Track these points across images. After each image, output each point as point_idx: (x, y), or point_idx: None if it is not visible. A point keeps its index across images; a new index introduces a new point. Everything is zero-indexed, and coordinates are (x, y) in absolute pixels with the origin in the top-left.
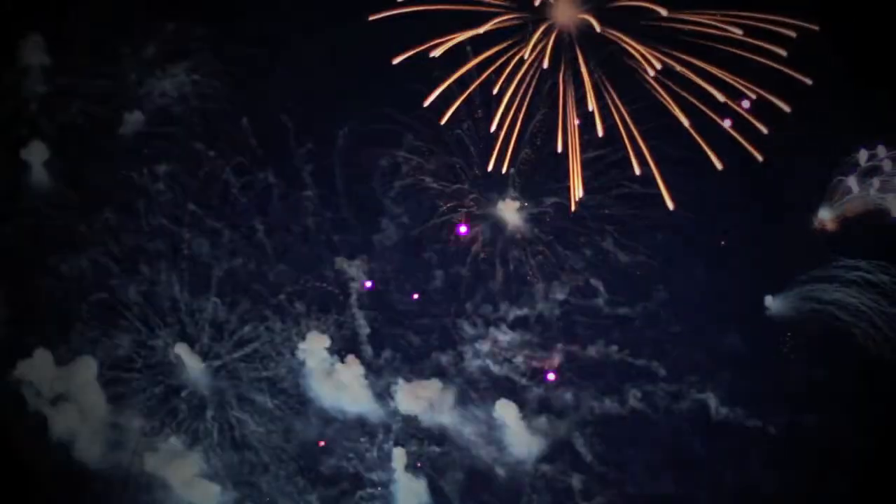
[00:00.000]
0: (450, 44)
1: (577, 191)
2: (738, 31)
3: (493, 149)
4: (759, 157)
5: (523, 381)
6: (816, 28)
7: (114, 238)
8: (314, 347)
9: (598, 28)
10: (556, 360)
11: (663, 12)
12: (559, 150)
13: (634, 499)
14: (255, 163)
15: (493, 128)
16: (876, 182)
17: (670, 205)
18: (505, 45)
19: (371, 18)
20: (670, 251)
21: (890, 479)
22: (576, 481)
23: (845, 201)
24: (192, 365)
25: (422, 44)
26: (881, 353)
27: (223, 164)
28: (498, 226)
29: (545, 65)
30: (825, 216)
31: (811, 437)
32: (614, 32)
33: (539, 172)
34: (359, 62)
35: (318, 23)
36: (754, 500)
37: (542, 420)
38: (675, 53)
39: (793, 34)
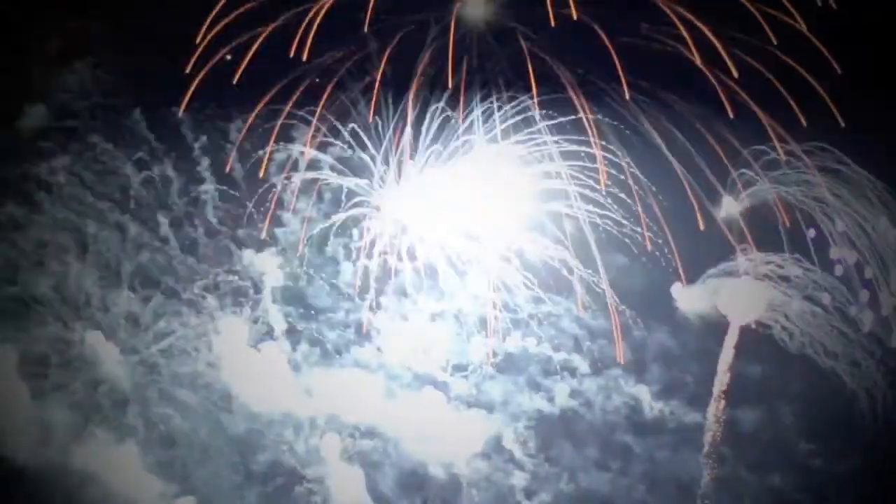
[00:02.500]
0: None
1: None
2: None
3: (395, 142)
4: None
5: (445, 376)
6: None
7: (20, 232)
8: (231, 342)
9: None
10: None
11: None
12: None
13: (574, 495)
14: (153, 157)
15: (371, 118)
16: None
17: None
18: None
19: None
20: (579, 245)
21: (829, 473)
22: (514, 478)
23: (748, 194)
24: (109, 360)
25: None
26: (799, 348)
27: (123, 158)
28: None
29: (447, 60)
30: (731, 209)
31: (750, 431)
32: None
33: (441, 167)
34: (254, 56)
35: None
36: (695, 494)
37: (473, 415)
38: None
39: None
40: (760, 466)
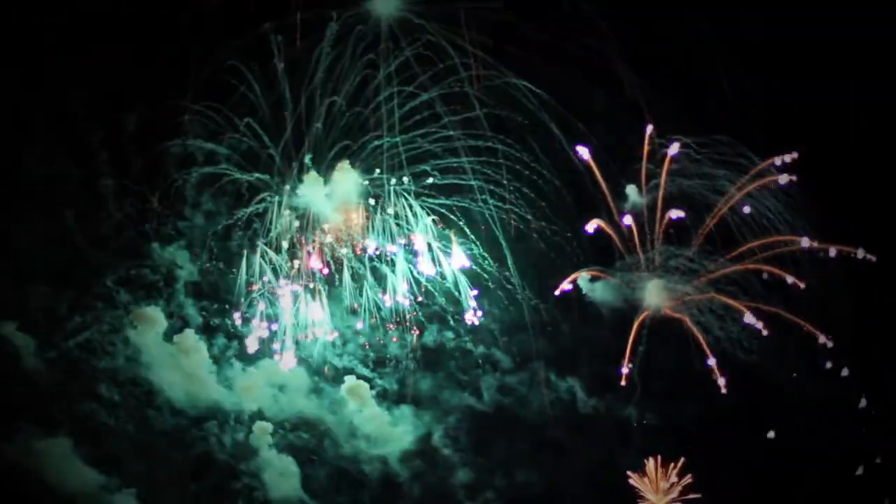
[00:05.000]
0: None
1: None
2: None
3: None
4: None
5: (367, 370)
6: None
7: None
8: (148, 336)
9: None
10: None
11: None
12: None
13: (513, 493)
14: (54, 152)
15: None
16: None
17: None
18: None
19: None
20: (488, 240)
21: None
22: (450, 476)
23: (652, 186)
24: (26, 354)
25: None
26: (715, 343)
27: (25, 153)
28: (305, 213)
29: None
30: (636, 200)
31: (687, 426)
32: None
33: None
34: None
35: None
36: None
37: (402, 411)
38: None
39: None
40: (699, 462)
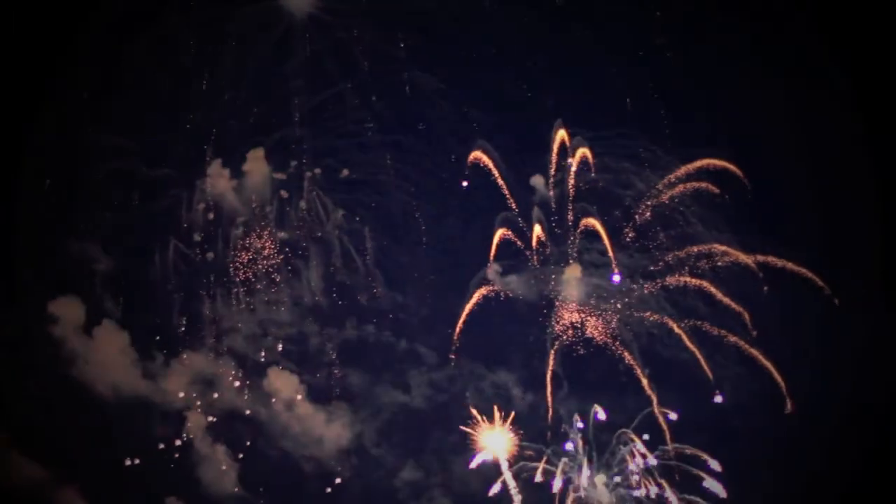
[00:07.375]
0: None
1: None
2: None
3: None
4: None
5: (291, 364)
6: None
7: None
8: (66, 329)
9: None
10: None
11: None
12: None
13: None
14: None
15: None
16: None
17: None
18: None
19: None
20: (404, 234)
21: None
22: (386, 473)
23: (557, 180)
24: None
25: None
26: (638, 338)
27: None
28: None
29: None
30: (544, 194)
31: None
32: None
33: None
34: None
35: None
36: None
37: (333, 408)
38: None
39: None
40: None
